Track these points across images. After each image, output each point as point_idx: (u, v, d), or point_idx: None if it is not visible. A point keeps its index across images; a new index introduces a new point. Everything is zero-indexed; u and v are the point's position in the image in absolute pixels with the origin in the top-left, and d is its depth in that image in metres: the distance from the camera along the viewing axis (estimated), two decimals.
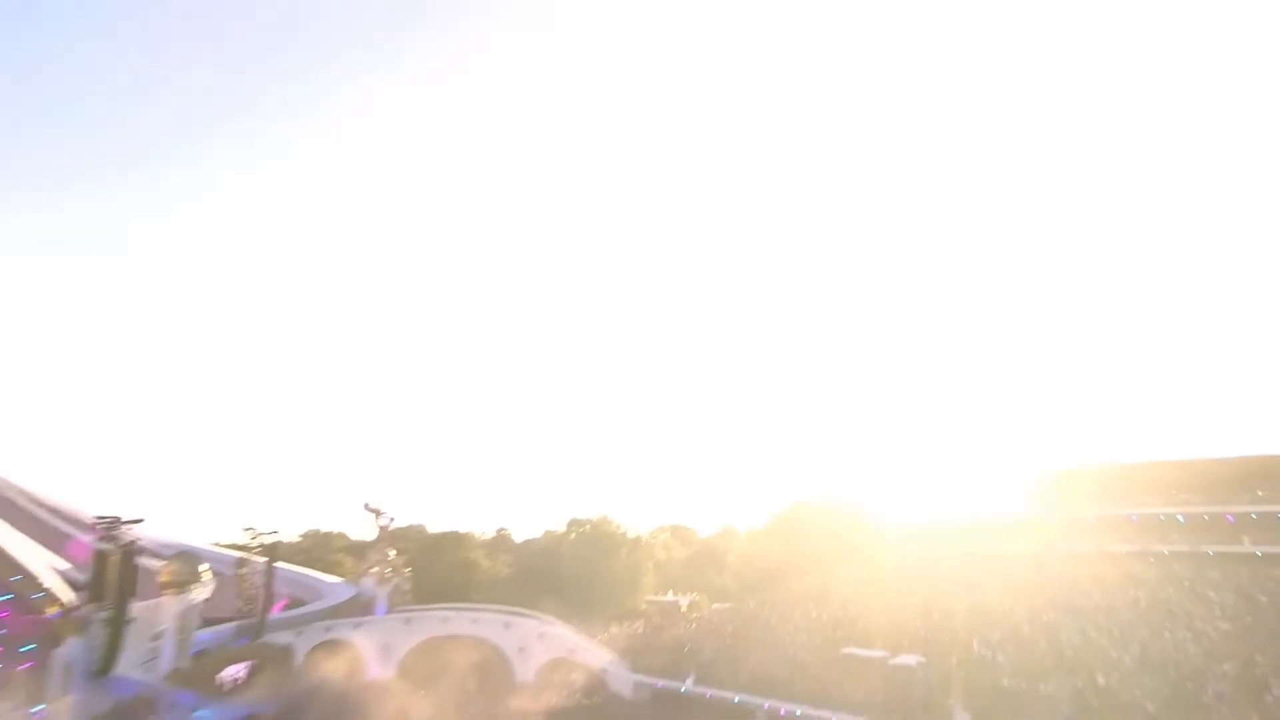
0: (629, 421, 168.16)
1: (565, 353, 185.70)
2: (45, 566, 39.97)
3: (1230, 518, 43.88)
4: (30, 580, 39.00)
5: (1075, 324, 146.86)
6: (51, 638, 37.40)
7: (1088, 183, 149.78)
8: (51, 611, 38.40)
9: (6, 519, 41.06)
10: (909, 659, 34.27)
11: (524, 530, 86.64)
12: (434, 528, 78.80)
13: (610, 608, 66.99)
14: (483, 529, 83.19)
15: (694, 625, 53.50)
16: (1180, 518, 45.73)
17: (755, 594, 56.14)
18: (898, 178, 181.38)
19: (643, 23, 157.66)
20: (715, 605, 62.05)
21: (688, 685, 40.47)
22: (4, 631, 37.28)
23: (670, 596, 66.22)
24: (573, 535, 76.51)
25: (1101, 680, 30.58)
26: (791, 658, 38.63)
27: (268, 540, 48.27)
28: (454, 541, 75.62)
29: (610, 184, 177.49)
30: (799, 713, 34.71)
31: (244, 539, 48.62)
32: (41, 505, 46.19)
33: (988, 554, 45.79)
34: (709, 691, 38.78)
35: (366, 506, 56.03)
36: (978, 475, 58.39)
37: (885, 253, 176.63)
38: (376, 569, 54.03)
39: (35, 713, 33.20)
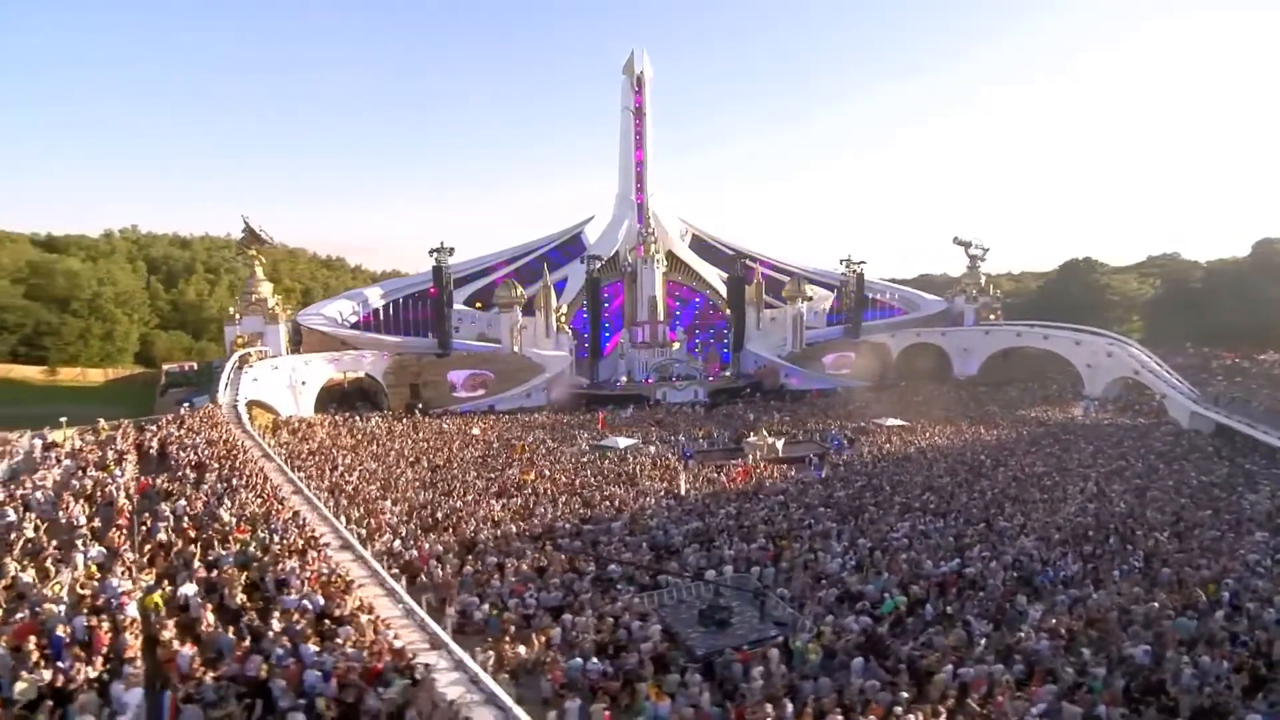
0: None
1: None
2: (717, 278, 61.21)
3: None
4: (714, 290, 61.05)
5: None
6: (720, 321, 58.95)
7: None
8: (721, 306, 59.88)
9: (698, 253, 63.87)
10: None
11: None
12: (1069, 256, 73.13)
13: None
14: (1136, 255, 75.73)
15: None
16: None
17: None
18: None
19: None
20: None
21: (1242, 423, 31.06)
22: (708, 311, 61.03)
23: None
24: (1254, 257, 58.94)
25: None
26: None
27: (859, 268, 56.81)
28: (1087, 266, 67.51)
29: None
30: None
31: (840, 268, 57.93)
32: (721, 243, 67.22)
33: None
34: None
35: (956, 240, 58.02)
36: None
37: None
38: (966, 290, 56.89)
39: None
